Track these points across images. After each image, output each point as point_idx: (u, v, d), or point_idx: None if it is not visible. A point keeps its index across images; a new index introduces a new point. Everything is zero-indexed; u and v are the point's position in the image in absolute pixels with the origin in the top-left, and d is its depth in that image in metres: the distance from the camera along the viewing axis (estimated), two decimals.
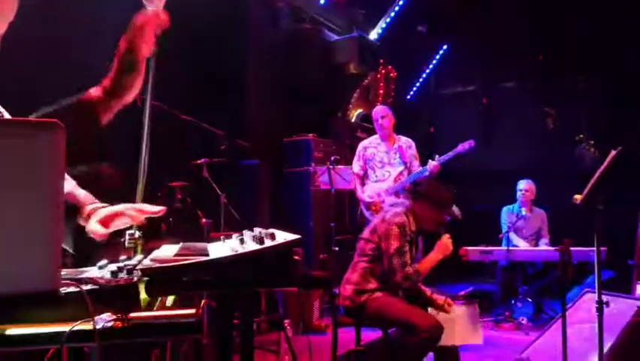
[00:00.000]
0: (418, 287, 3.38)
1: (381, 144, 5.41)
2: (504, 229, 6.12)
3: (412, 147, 5.45)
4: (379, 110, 5.47)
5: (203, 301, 1.49)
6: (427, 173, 5.18)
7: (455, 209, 3.59)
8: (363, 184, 5.40)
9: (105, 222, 1.55)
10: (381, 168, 5.32)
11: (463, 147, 5.21)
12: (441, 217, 3.50)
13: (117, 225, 1.58)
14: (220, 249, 1.42)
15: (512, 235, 5.77)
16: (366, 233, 3.53)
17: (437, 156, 5.21)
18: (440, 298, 3.42)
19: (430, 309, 3.41)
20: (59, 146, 0.82)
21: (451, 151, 5.21)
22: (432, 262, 3.40)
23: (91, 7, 3.98)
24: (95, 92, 1.62)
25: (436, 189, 3.56)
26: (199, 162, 4.31)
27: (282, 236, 1.40)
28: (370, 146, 5.44)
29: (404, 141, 5.45)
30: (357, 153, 5.50)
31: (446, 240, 3.44)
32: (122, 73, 1.63)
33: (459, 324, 3.47)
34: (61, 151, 0.83)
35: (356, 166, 5.44)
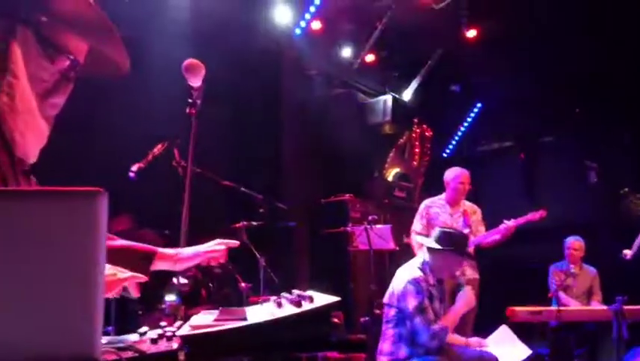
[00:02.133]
0: (447, 344, 3.27)
1: (445, 205, 5.27)
2: (552, 287, 5.88)
3: (478, 213, 5.33)
4: (466, 175, 5.24)
5: None
6: (497, 237, 5.04)
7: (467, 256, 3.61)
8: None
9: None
10: None
11: (534, 215, 5.13)
12: (455, 263, 3.46)
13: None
14: (258, 313, 1.41)
15: (562, 295, 5.51)
16: (386, 297, 3.47)
17: (513, 219, 5.03)
18: (473, 340, 3.43)
19: None
20: (101, 212, 0.85)
21: (525, 216, 5.10)
22: (456, 316, 3.33)
23: None
24: None
25: (444, 235, 3.49)
26: (238, 225, 4.36)
27: (321, 299, 1.39)
28: (434, 206, 5.31)
29: (469, 206, 5.33)
30: (419, 211, 5.35)
31: (469, 292, 3.41)
32: None
33: (499, 350, 3.42)
34: (103, 217, 0.86)
35: (418, 225, 5.27)
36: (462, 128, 9.33)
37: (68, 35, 1.34)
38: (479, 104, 9.25)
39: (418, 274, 3.32)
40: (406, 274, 3.33)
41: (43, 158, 1.37)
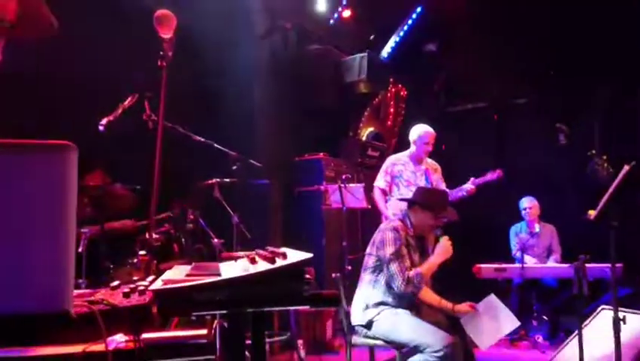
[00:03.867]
0: (422, 292, 3.35)
1: (409, 163, 5.35)
2: (513, 249, 6.07)
3: (439, 170, 5.44)
4: (432, 135, 5.31)
5: (215, 322, 1.49)
6: (464, 193, 5.30)
7: (451, 211, 3.63)
8: (386, 201, 5.35)
9: None
10: (407, 187, 5.28)
11: (492, 175, 5.43)
12: (435, 220, 3.52)
13: None
14: (232, 269, 1.43)
15: (522, 254, 5.63)
16: (367, 247, 3.55)
17: (472, 179, 5.35)
18: (461, 306, 3.40)
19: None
20: (71, 167, 0.83)
21: (482, 177, 5.42)
22: (432, 264, 3.38)
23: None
24: None
25: (426, 193, 3.63)
26: (211, 182, 4.33)
27: (294, 255, 1.40)
28: (399, 163, 5.37)
29: (430, 163, 5.42)
30: (384, 168, 5.42)
31: (446, 242, 3.44)
32: None
33: (488, 320, 3.44)
34: (73, 172, 0.84)
35: (382, 181, 5.36)
36: (437, 88, 9.34)
37: None
38: (455, 65, 9.26)
39: (398, 223, 3.43)
40: (387, 224, 3.46)
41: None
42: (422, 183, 5.25)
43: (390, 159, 5.48)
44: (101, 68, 4.06)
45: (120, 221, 3.73)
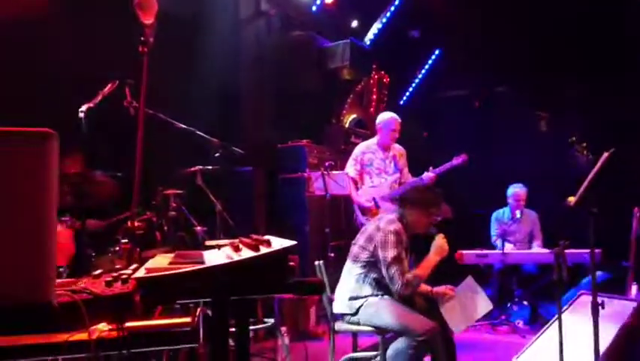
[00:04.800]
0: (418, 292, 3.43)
1: (378, 150, 5.39)
2: (493, 235, 6.14)
3: (404, 155, 5.47)
4: (398, 121, 5.35)
5: (198, 310, 1.48)
6: (424, 182, 5.27)
7: (445, 208, 3.65)
8: (357, 189, 5.38)
9: None
10: (378, 175, 5.31)
11: (457, 160, 5.37)
12: (430, 219, 3.52)
13: None
14: (215, 257, 1.42)
15: (502, 242, 5.69)
16: (360, 240, 3.53)
17: (431, 168, 5.31)
18: (440, 288, 3.54)
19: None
20: (52, 153, 0.82)
21: (447, 163, 5.36)
22: (430, 264, 3.40)
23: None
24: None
25: (420, 192, 3.63)
26: (193, 169, 4.30)
27: (278, 243, 1.40)
28: (368, 151, 5.40)
29: (397, 149, 5.46)
30: (354, 156, 5.45)
31: (441, 240, 3.45)
32: None
33: (464, 302, 3.54)
34: (54, 159, 0.82)
35: (352, 170, 5.38)
36: (420, 76, 9.35)
37: None
38: (437, 51, 9.27)
39: (399, 226, 3.41)
40: (389, 225, 3.39)
41: None
42: (391, 169, 5.32)
43: (360, 147, 5.50)
44: (81, 54, 3.99)
45: (91, 220, 3.66)
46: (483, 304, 3.58)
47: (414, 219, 3.50)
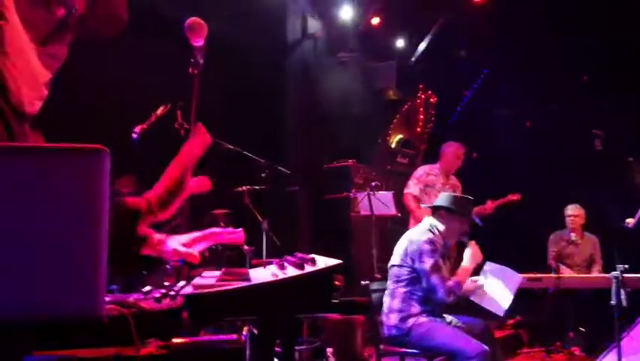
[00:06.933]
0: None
1: (440, 175, 5.45)
2: (549, 257, 5.91)
3: (459, 190, 5.46)
4: (463, 150, 5.49)
5: (245, 328, 1.48)
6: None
7: (475, 216, 3.64)
8: (419, 208, 5.33)
9: (188, 245, 1.60)
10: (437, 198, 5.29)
11: (513, 197, 5.80)
12: (463, 226, 3.52)
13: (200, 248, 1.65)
14: (261, 275, 1.42)
15: (557, 264, 5.49)
16: (396, 259, 3.51)
17: (489, 201, 5.66)
18: (471, 286, 3.51)
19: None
20: (104, 170, 0.84)
21: (504, 198, 5.80)
22: (467, 271, 3.41)
23: None
24: (138, 202, 1.64)
25: (453, 200, 3.59)
26: (240, 189, 4.36)
27: (323, 261, 1.39)
28: (432, 173, 5.48)
29: (454, 181, 5.54)
30: (416, 175, 5.50)
31: (474, 247, 3.47)
32: (170, 194, 1.67)
33: (494, 284, 3.53)
34: (106, 175, 0.85)
35: (415, 188, 5.42)
36: (468, 95, 9.22)
37: None
38: (485, 70, 9.13)
39: (432, 235, 3.41)
40: (420, 236, 3.40)
41: (50, 114, 1.35)
42: None
43: (424, 168, 5.58)
44: (135, 76, 4.14)
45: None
46: (514, 279, 3.56)
47: (447, 226, 3.48)
